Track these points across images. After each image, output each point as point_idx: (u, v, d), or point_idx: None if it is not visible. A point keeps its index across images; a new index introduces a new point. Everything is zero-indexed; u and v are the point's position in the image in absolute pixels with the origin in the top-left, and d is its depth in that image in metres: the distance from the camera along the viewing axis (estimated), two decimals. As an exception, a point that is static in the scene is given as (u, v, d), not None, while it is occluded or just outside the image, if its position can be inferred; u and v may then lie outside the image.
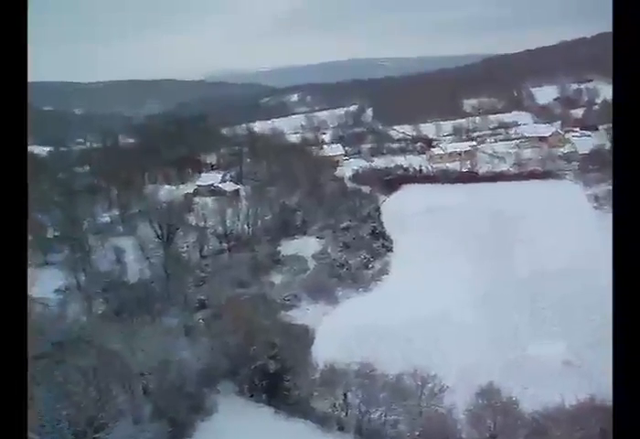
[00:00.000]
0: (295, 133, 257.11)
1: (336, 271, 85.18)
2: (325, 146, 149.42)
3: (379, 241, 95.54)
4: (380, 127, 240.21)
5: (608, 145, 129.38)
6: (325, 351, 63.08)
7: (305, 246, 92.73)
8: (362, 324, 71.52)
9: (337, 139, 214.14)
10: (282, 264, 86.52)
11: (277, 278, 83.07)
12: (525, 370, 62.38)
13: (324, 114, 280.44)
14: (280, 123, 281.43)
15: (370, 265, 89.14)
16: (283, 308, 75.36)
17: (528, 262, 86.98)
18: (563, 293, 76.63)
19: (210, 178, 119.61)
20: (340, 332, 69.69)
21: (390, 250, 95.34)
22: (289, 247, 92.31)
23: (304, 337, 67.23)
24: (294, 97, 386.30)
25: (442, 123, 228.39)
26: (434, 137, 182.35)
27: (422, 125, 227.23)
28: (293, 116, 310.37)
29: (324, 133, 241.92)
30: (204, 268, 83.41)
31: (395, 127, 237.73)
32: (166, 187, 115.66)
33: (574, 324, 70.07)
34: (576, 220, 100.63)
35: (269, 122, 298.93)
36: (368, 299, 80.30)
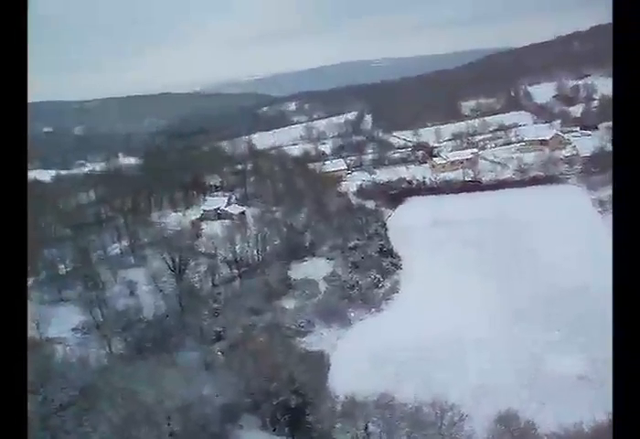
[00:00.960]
0: (295, 144, 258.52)
1: (346, 292, 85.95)
2: (327, 162, 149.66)
3: (388, 259, 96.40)
4: (380, 134, 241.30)
5: (609, 147, 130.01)
6: (342, 379, 64.13)
7: (315, 268, 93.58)
8: (375, 347, 72.46)
9: (338, 149, 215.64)
10: (294, 289, 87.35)
11: (290, 303, 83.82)
12: (542, 387, 62.86)
13: (322, 124, 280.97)
14: (280, 135, 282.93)
15: (380, 284, 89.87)
16: (298, 335, 76.19)
17: (538, 275, 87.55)
18: (574, 307, 76.99)
19: (216, 202, 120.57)
20: (355, 357, 70.53)
21: (399, 267, 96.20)
22: (299, 270, 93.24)
23: (320, 364, 68.17)
24: (292, 106, 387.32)
25: (441, 126, 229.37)
26: (435, 144, 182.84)
27: (422, 130, 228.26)
28: (293, 126, 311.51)
29: (324, 144, 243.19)
30: (217, 297, 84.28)
31: (395, 133, 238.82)
32: (173, 214, 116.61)
33: (588, 338, 70.48)
34: (583, 228, 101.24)
35: (269, 132, 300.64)
36: (380, 320, 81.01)
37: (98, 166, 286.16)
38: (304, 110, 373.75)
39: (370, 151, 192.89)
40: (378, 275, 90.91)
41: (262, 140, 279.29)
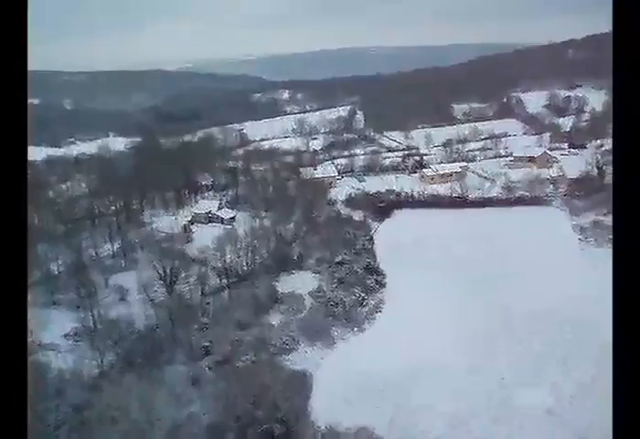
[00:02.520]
0: (286, 137, 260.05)
1: (330, 310, 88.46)
2: (317, 167, 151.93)
3: (373, 277, 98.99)
4: (372, 133, 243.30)
5: (595, 171, 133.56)
6: (324, 403, 66.90)
7: (302, 282, 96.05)
8: (356, 370, 74.97)
9: (329, 146, 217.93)
10: (281, 303, 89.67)
11: (276, 318, 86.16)
12: (511, 420, 65.92)
13: (314, 118, 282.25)
14: (271, 125, 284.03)
15: (364, 303, 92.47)
16: (283, 352, 78.67)
17: (518, 300, 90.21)
18: (550, 336, 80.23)
19: (207, 205, 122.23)
20: (337, 379, 73.11)
21: (383, 285, 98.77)
22: (287, 283, 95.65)
23: (303, 386, 70.80)
24: (285, 94, 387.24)
25: (432, 130, 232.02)
26: (425, 151, 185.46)
27: (414, 132, 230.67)
28: (285, 117, 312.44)
29: (315, 139, 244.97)
30: (206, 308, 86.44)
31: (386, 133, 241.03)
32: (164, 216, 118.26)
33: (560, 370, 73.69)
34: (563, 255, 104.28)
35: (261, 122, 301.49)
36: (362, 341, 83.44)
37: (88, 146, 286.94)
38: (297, 99, 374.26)
39: (361, 153, 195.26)
40: (362, 293, 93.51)
41: (254, 130, 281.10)
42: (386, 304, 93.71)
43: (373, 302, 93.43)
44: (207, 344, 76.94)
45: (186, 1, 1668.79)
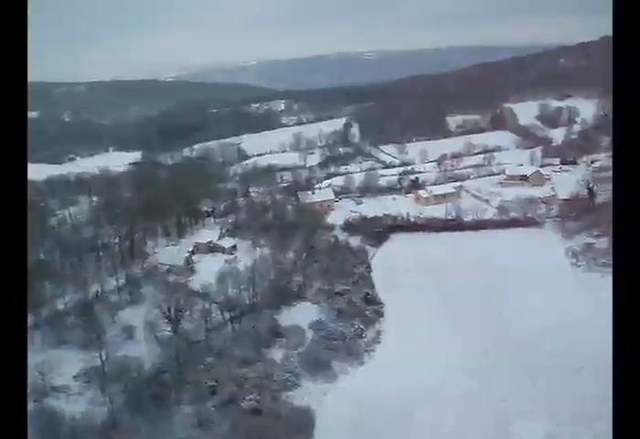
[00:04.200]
0: (284, 151, 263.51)
1: (331, 343, 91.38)
2: (315, 191, 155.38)
3: (371, 307, 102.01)
4: (368, 147, 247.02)
5: (584, 192, 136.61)
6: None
7: (303, 314, 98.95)
8: (358, 403, 77.95)
9: (325, 161, 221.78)
10: (282, 337, 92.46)
11: (278, 353, 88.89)
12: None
13: (311, 131, 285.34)
14: (268, 139, 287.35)
15: (363, 334, 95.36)
16: (286, 389, 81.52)
17: (515, 326, 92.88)
18: (545, 362, 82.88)
19: (208, 235, 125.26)
20: (339, 415, 76.03)
21: (381, 315, 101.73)
22: (288, 315, 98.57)
23: (306, 423, 73.75)
24: (281, 105, 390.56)
25: (427, 143, 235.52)
26: (420, 169, 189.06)
27: (408, 146, 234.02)
28: (281, 129, 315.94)
29: (312, 153, 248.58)
30: (210, 344, 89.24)
31: (381, 147, 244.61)
32: (167, 248, 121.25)
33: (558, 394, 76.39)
34: (556, 280, 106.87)
35: (258, 135, 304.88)
36: (362, 375, 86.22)
37: (88, 163, 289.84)
38: (293, 110, 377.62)
39: (358, 169, 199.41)
40: (361, 325, 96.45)
41: (252, 144, 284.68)
42: (384, 334, 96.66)
43: (372, 334, 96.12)
44: (212, 383, 79.91)
45: (184, 8, 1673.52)
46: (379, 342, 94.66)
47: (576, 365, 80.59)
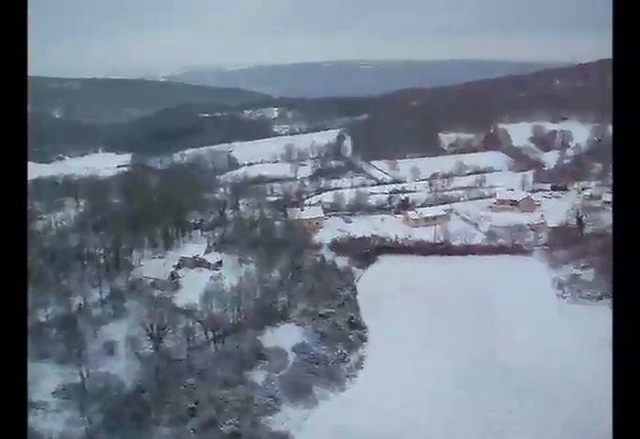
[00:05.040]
0: (275, 161, 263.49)
1: (313, 367, 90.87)
2: (305, 208, 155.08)
3: (355, 331, 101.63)
4: (359, 162, 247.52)
5: (573, 221, 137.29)
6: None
7: (286, 335, 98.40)
8: (337, 430, 77.46)
9: (316, 174, 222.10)
10: (265, 359, 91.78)
11: (260, 376, 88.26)
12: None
13: (303, 142, 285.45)
14: (260, 148, 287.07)
15: (346, 359, 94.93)
16: (266, 413, 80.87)
17: (499, 355, 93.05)
18: (528, 394, 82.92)
19: (194, 249, 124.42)
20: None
21: (365, 339, 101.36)
22: (272, 336, 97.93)
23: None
24: (274, 112, 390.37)
25: (419, 161, 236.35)
26: (411, 188, 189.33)
27: (400, 162, 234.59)
28: (274, 138, 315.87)
29: (303, 165, 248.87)
30: (192, 363, 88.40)
31: (373, 162, 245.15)
32: (152, 260, 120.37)
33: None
34: (541, 311, 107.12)
35: (250, 143, 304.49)
36: (343, 401, 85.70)
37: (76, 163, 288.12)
38: (286, 118, 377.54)
39: (348, 185, 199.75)
40: (344, 350, 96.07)
41: (243, 152, 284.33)
42: (367, 360, 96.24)
43: (355, 359, 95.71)
44: (192, 405, 79.14)
45: (184, 7, 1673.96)
46: (362, 367, 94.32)
47: (556, 395, 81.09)
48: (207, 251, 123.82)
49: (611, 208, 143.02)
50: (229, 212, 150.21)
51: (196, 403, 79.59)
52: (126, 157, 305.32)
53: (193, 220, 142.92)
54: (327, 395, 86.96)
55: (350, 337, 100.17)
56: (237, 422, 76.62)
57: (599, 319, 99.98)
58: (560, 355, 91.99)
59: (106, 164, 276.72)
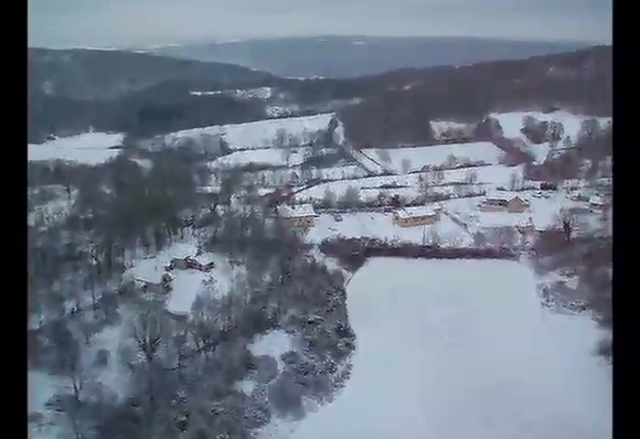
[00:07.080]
0: (267, 147, 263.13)
1: (301, 377, 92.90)
2: (295, 206, 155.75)
3: (343, 339, 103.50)
4: (351, 150, 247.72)
5: (560, 226, 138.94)
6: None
7: (276, 343, 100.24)
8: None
9: (308, 161, 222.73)
10: (254, 368, 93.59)
11: (249, 386, 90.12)
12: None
13: (295, 127, 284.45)
14: (252, 132, 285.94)
15: (334, 368, 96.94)
16: (255, 425, 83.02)
17: (487, 368, 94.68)
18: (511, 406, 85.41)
19: (186, 250, 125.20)
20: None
21: (353, 347, 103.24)
22: (260, 345, 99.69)
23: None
24: (267, 93, 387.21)
25: (410, 151, 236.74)
26: (402, 183, 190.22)
27: (391, 151, 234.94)
28: (266, 121, 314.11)
29: (294, 152, 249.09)
30: (183, 374, 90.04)
31: (364, 151, 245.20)
32: (144, 261, 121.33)
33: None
34: (526, 321, 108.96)
35: (241, 126, 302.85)
36: (331, 412, 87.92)
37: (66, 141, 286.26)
38: (279, 99, 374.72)
39: (340, 177, 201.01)
40: (332, 359, 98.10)
41: (235, 136, 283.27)
42: (355, 369, 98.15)
43: (342, 368, 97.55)
44: (183, 418, 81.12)
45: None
46: (349, 377, 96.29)
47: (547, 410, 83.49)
48: (198, 253, 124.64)
49: (599, 211, 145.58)
50: (220, 208, 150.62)
51: (186, 416, 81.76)
52: (117, 137, 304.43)
53: (184, 218, 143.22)
54: (315, 406, 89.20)
55: (338, 345, 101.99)
56: (227, 436, 79.00)
57: (582, 330, 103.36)
58: (544, 365, 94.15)
59: (97, 144, 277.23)
